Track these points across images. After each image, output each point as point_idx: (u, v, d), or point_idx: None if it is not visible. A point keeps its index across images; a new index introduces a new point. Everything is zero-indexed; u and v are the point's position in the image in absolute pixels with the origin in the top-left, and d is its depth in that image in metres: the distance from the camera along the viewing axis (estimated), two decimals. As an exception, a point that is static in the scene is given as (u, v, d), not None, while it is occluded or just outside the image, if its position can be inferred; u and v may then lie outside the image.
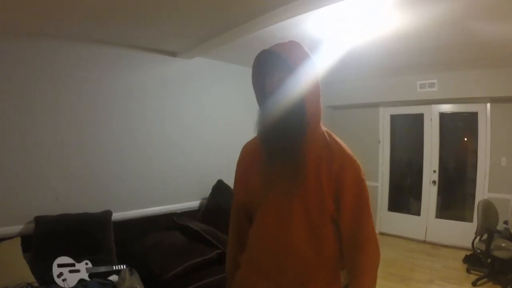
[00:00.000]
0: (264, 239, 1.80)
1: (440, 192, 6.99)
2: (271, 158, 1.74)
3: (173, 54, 5.09)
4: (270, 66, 1.72)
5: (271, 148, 1.74)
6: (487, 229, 4.98)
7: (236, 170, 2.05)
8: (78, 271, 3.48)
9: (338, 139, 1.80)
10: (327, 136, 1.78)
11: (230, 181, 3.20)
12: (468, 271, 5.41)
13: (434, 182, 6.96)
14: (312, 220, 1.69)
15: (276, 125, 1.70)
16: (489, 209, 5.29)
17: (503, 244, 4.93)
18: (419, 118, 7.21)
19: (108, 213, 4.15)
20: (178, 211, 5.00)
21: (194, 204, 5.28)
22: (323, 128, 1.81)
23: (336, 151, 1.72)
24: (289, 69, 1.67)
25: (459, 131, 7.14)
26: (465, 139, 7.06)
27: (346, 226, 1.71)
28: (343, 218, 1.71)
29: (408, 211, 7.52)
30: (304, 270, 1.72)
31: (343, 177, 1.68)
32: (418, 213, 7.21)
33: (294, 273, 1.72)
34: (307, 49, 1.79)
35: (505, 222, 5.38)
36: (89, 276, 3.50)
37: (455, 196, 7.10)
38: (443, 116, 6.98)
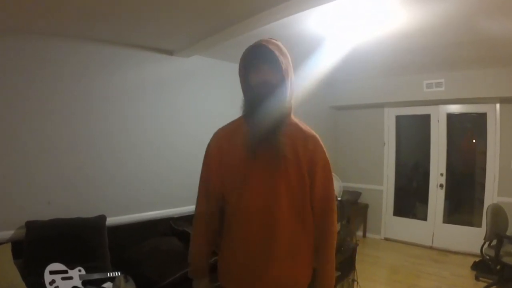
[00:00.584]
0: (252, 217, 1.98)
1: (448, 196, 6.98)
2: (253, 146, 1.96)
3: (169, 52, 5.09)
4: (257, 58, 1.99)
5: (254, 137, 1.96)
6: (497, 235, 4.98)
7: (210, 158, 2.15)
8: (71, 278, 3.47)
9: (307, 126, 2.13)
10: (298, 123, 2.10)
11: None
12: (476, 278, 5.41)
13: (441, 185, 6.95)
14: (296, 198, 1.99)
15: (261, 115, 1.95)
16: (498, 213, 5.28)
17: (513, 250, 4.93)
18: (426, 119, 7.21)
19: (102, 218, 4.14)
20: (175, 216, 4.98)
21: (192, 208, 5.16)
22: (294, 118, 2.13)
23: (308, 134, 2.06)
24: (275, 62, 1.95)
25: (467, 133, 7.15)
26: (474, 140, 7.07)
27: (318, 197, 2.04)
28: (315, 191, 2.03)
29: (414, 216, 7.51)
30: (292, 242, 1.99)
31: (315, 156, 2.03)
32: (424, 218, 7.21)
33: (284, 245, 1.97)
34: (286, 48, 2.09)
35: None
36: (82, 283, 3.49)
37: (463, 200, 7.10)
38: (450, 117, 6.98)
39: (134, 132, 4.76)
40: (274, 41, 2.06)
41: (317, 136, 2.09)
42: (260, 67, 1.97)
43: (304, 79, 5.92)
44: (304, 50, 4.76)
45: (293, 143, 1.99)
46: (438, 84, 6.51)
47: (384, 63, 5.93)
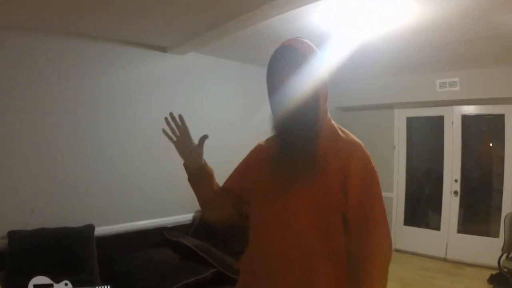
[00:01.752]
0: (266, 237, 1.90)
1: (462, 204, 6.97)
2: (281, 153, 1.88)
3: (163, 49, 5.10)
4: (282, 59, 1.87)
5: (283, 142, 1.89)
6: (515, 246, 4.98)
7: (242, 163, 2.17)
8: (56, 292, 3.47)
9: (347, 132, 1.99)
10: (337, 129, 1.97)
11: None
12: (493, 292, 5.41)
13: (455, 192, 6.95)
14: (319, 217, 1.81)
15: (289, 120, 1.85)
16: (517, 223, 5.28)
17: (533, 263, 4.92)
18: (439, 121, 7.21)
19: (91, 228, 4.14)
20: (169, 226, 4.99)
21: (186, 217, 5.26)
22: (332, 121, 2.01)
23: (342, 141, 1.91)
24: (300, 61, 1.84)
25: (483, 136, 7.15)
26: (491, 144, 7.06)
27: (352, 215, 1.82)
28: (349, 205, 1.82)
29: (427, 225, 7.51)
30: (309, 262, 1.80)
31: (349, 166, 1.82)
32: (437, 227, 7.19)
33: (300, 266, 1.80)
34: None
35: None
36: (69, 298, 3.49)
37: (479, 209, 7.09)
38: (465, 118, 6.98)
39: (125, 135, 4.77)
40: (301, 39, 1.95)
41: (358, 142, 1.93)
42: (283, 70, 1.85)
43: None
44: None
45: (325, 155, 1.84)
46: (452, 84, 6.51)
47: (394, 61, 5.93)
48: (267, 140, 2.10)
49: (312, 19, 3.94)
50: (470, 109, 6.89)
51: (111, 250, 4.29)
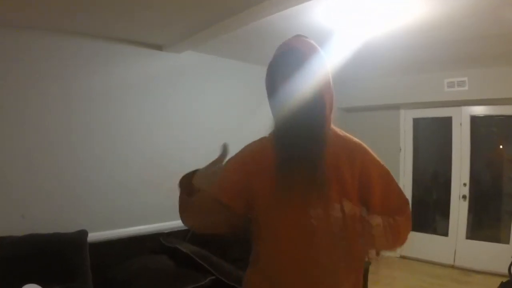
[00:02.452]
0: (284, 256, 1.84)
1: (472, 209, 6.97)
2: (285, 164, 1.80)
3: (159, 47, 5.10)
4: (287, 65, 1.83)
5: (286, 152, 1.81)
6: (527, 252, 4.97)
7: (233, 167, 1.98)
8: (47, 301, 3.47)
9: (351, 136, 2.00)
10: (338, 132, 1.98)
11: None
12: (504, 301, 5.40)
13: (464, 197, 6.94)
14: (339, 231, 1.80)
15: (293, 126, 1.80)
16: (528, 228, 5.27)
17: (546, 270, 4.92)
18: (447, 122, 7.22)
19: (83, 233, 4.13)
20: (166, 231, 4.97)
21: (184, 222, 5.22)
22: (333, 126, 1.97)
23: (352, 144, 1.94)
24: (303, 62, 1.82)
25: (493, 137, 7.15)
26: (501, 146, 7.06)
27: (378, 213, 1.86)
28: (375, 204, 1.88)
29: (434, 231, 7.51)
30: (333, 279, 1.82)
31: (367, 169, 1.88)
32: (445, 233, 7.19)
33: (328, 284, 1.81)
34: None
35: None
36: (61, 307, 3.49)
37: (489, 214, 7.09)
38: (474, 119, 6.98)
39: (119, 137, 4.76)
40: (304, 38, 1.94)
41: (362, 144, 1.98)
42: (291, 76, 1.81)
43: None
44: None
45: (336, 163, 1.84)
46: (461, 83, 6.51)
47: (399, 60, 5.94)
48: (261, 141, 2.00)
49: (315, 16, 3.94)
50: (479, 110, 6.89)
51: (105, 257, 4.29)
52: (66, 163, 4.36)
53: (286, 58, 1.84)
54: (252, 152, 1.98)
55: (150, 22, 4.17)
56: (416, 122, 7.69)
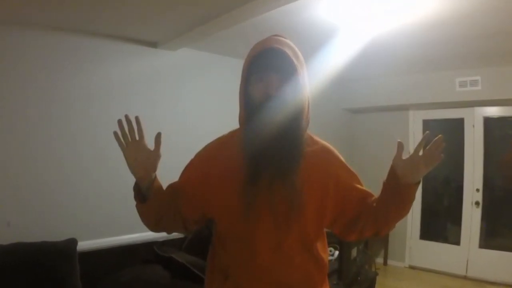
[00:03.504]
0: (257, 270, 1.86)
1: (485, 216, 6.96)
2: (256, 177, 1.78)
3: (153, 44, 5.11)
4: (264, 65, 1.83)
5: (258, 164, 1.78)
6: (544, 262, 4.97)
7: (197, 164, 2.08)
8: (34, 314, 3.47)
9: (321, 140, 2.04)
10: (312, 136, 2.01)
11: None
12: (519, 314, 5.40)
13: (477, 203, 6.94)
14: (309, 242, 1.91)
15: (266, 135, 1.77)
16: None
17: None
18: (459, 124, 7.23)
19: (73, 242, 4.13)
20: (160, 240, 4.96)
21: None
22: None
23: (319, 147, 1.98)
24: (292, 69, 1.81)
25: (508, 140, 7.14)
26: (516, 149, 7.06)
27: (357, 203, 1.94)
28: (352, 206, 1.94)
29: (445, 240, 7.51)
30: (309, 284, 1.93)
31: (342, 176, 1.95)
32: (457, 242, 7.19)
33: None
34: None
35: None
36: (49, 320, 3.49)
37: (504, 221, 7.06)
38: (488, 121, 6.99)
39: (110, 139, 4.72)
40: (283, 38, 1.92)
41: (329, 147, 2.02)
42: (267, 77, 1.80)
43: (312, 77, 5.93)
44: (313, 42, 4.76)
45: (308, 168, 1.84)
46: (474, 83, 6.51)
47: (408, 58, 5.94)
48: (231, 136, 2.07)
49: (318, 11, 3.94)
50: (493, 111, 6.90)
51: (95, 267, 4.28)
52: (54, 168, 4.36)
53: (273, 59, 1.82)
54: (217, 147, 2.09)
55: (142, 17, 4.16)
56: (426, 124, 7.68)
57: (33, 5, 3.67)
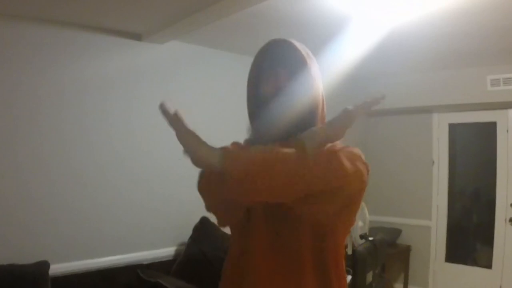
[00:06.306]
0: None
1: (521, 235, 6.96)
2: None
3: (137, 36, 5.12)
4: (272, 60, 1.91)
5: None
6: None
7: None
8: None
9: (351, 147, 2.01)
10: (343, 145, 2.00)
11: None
12: None
13: (511, 220, 6.94)
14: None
15: (280, 137, 1.84)
16: None
17: None
18: (491, 128, 7.21)
19: (44, 265, 4.13)
20: (144, 262, 4.98)
21: (167, 252, 5.27)
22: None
23: None
24: (302, 65, 1.89)
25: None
26: (557, 158, 7.07)
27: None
28: None
29: (475, 263, 7.49)
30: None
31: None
32: (489, 265, 7.17)
33: None
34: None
35: None
36: None
37: (543, 241, 7.09)
38: (524, 125, 6.98)
39: (92, 144, 4.75)
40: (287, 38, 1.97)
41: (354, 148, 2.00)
42: (276, 73, 1.88)
43: (322, 74, 5.94)
44: (323, 35, 4.77)
45: None
46: (508, 81, 6.50)
47: (432, 52, 5.95)
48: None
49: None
50: (530, 114, 6.89)
51: (70, 293, 4.30)
52: (23, 180, 4.35)
53: (265, 51, 1.90)
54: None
55: (127, 7, 4.16)
56: (453, 128, 7.68)
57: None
